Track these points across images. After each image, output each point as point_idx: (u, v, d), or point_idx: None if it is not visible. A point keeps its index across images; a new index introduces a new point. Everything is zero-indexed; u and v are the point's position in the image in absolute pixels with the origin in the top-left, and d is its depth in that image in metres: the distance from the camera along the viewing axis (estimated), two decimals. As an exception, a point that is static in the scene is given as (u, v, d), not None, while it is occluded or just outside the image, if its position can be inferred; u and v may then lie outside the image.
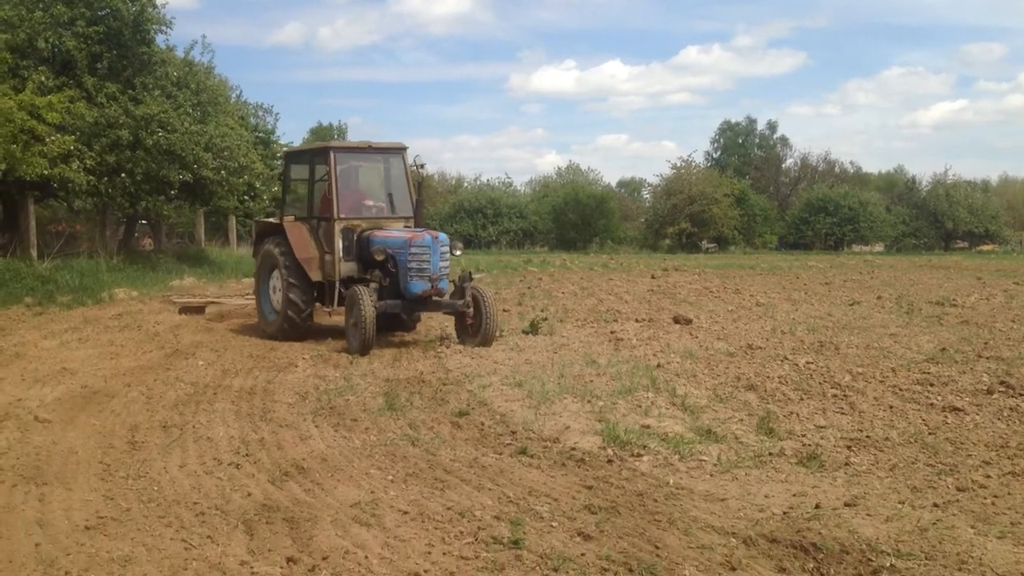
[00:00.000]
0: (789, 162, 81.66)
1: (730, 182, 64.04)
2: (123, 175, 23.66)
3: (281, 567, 4.93)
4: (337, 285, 13.60)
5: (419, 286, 12.82)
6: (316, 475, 6.61)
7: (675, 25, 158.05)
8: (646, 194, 71.79)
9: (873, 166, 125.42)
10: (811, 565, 4.87)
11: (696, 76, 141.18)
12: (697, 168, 66.11)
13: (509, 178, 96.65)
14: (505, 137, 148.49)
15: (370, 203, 14.58)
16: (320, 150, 14.29)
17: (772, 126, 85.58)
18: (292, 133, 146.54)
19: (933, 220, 67.04)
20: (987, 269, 34.91)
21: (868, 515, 5.65)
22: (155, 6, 24.21)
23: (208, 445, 7.52)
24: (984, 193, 73.18)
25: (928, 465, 6.81)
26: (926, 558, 4.89)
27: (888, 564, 4.80)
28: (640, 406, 8.69)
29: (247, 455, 7.19)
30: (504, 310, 16.39)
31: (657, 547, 5.14)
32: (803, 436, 7.65)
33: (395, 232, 13.47)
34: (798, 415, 8.38)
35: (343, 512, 5.76)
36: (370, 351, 12.11)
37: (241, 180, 27.41)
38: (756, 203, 66.47)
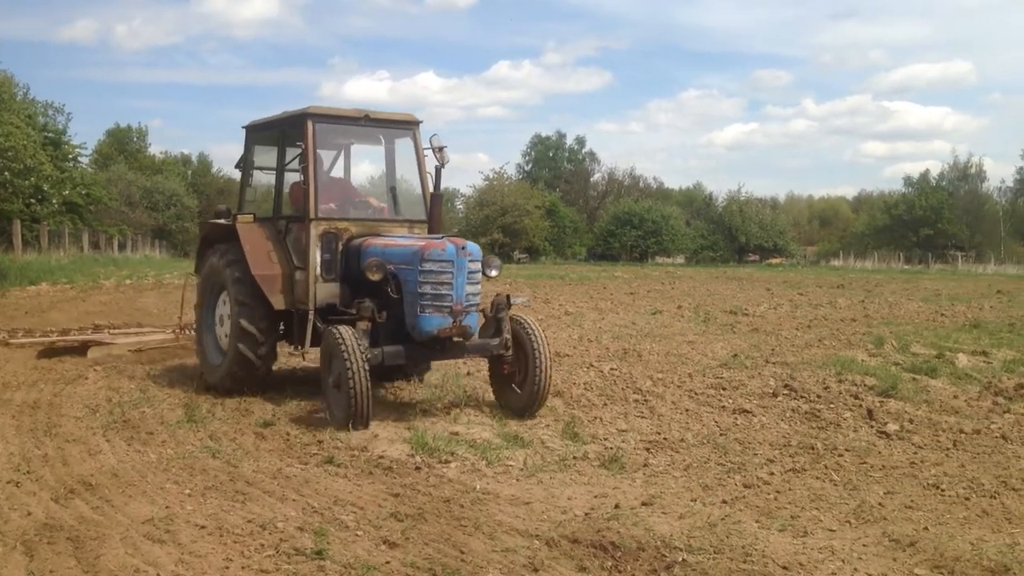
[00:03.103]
0: (597, 176, 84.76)
1: (541, 194, 65.70)
2: None
3: (63, 590, 4.61)
4: (312, 316, 9.30)
5: (434, 322, 8.38)
6: (105, 491, 6.22)
7: (487, 40, 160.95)
8: (459, 205, 72.56)
9: (674, 182, 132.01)
10: (610, 563, 5.02)
11: (508, 90, 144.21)
12: (509, 180, 67.48)
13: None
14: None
15: (364, 199, 10.61)
16: (293, 119, 9.78)
17: (581, 141, 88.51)
18: (86, 134, 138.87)
19: (728, 234, 71.15)
20: (775, 281, 37.37)
21: (663, 513, 5.89)
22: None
23: (-17, 463, 6.94)
24: (773, 210, 78.49)
25: (719, 464, 7.19)
26: (715, 552, 5.15)
27: (680, 559, 5.02)
28: (449, 414, 8.73)
29: (28, 472, 6.69)
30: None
31: (462, 552, 5.16)
32: (606, 440, 7.92)
33: (399, 240, 9.21)
34: (601, 419, 8.66)
35: (134, 529, 5.45)
36: (367, 425, 8.01)
37: (27, 182, 25.65)
38: (566, 215, 68.49)
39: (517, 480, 6.67)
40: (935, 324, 17.70)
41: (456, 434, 7.89)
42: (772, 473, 6.92)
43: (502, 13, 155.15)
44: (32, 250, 34.52)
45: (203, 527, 5.51)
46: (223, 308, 10.09)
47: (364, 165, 11.19)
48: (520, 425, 8.32)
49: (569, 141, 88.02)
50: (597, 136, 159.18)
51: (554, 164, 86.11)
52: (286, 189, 10.22)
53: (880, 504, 6.16)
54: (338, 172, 10.85)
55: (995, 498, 6.33)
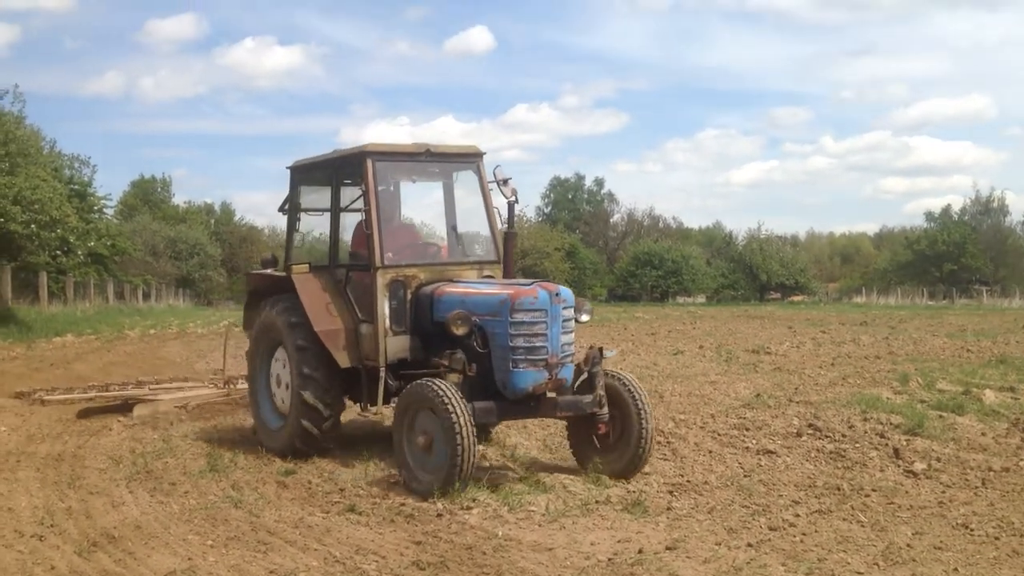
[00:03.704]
0: (616, 217, 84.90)
1: (561, 236, 65.98)
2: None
3: (85, 645, 4.60)
4: (383, 374, 8.58)
5: (529, 378, 7.70)
6: (128, 544, 6.23)
7: (504, 84, 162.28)
8: (480, 248, 72.64)
9: (694, 222, 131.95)
10: (634, 610, 4.97)
11: (525, 133, 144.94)
12: (529, 223, 67.70)
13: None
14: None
15: (427, 241, 9.87)
16: (349, 158, 9.12)
17: (599, 182, 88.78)
18: (111, 185, 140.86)
19: (749, 273, 71.00)
20: (797, 319, 37.16)
21: (688, 557, 5.83)
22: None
23: (8, 516, 6.98)
24: (794, 248, 78.41)
25: (743, 506, 7.11)
26: (741, 596, 5.07)
27: (706, 604, 4.95)
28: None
29: (52, 526, 6.71)
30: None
31: (485, 600, 5.11)
32: (628, 483, 7.85)
33: (481, 287, 8.49)
34: (624, 463, 8.59)
35: (157, 582, 5.45)
36: (464, 489, 7.20)
37: (53, 235, 26.01)
38: (586, 256, 68.64)
39: (539, 526, 6.62)
40: (961, 360, 17.52)
41: (477, 480, 7.84)
42: (798, 515, 6.84)
43: (519, 57, 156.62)
44: (58, 301, 34.91)
45: (225, 578, 5.49)
46: (279, 367, 9.36)
47: (416, 203, 10.41)
48: (542, 469, 8.27)
49: (588, 182, 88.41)
50: (615, 177, 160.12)
51: (573, 205, 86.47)
52: (343, 235, 9.52)
53: (908, 545, 6.06)
54: (399, 212, 9.95)
55: (1026, 538, 6.22)
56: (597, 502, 7.23)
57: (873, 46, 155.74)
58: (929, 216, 79.30)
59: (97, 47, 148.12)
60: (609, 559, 5.78)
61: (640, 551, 5.90)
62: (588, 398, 7.98)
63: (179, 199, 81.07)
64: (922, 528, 6.49)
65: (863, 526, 6.56)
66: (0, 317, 27.48)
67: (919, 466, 8.18)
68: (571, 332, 8.03)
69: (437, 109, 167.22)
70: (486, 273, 9.20)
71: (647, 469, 8.29)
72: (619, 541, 6.20)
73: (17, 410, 12.22)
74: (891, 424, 9.81)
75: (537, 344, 7.69)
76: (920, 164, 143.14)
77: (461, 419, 7.09)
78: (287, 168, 9.97)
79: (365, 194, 8.71)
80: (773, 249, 72.37)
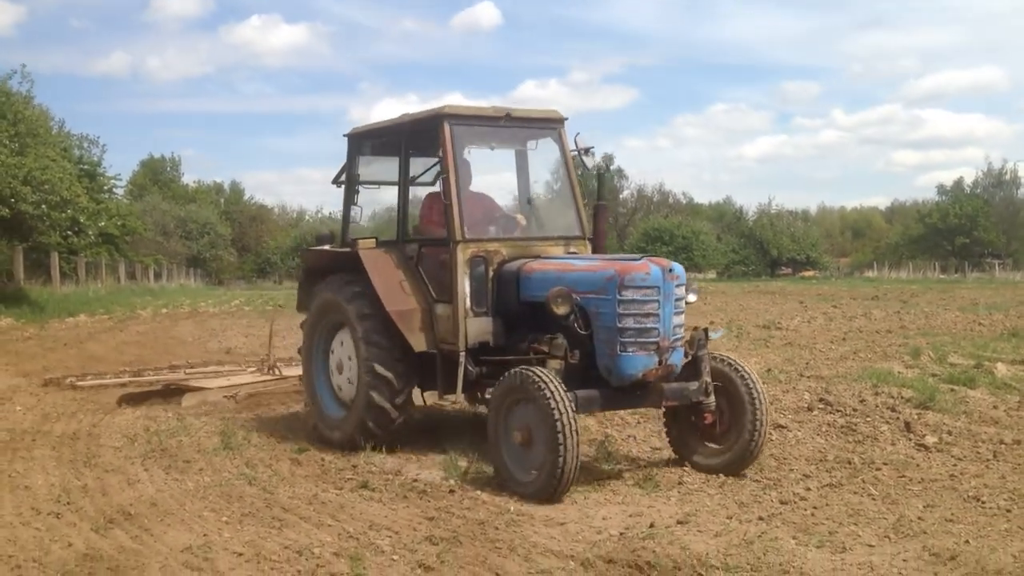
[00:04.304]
0: (626, 193, 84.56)
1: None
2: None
3: (104, 620, 4.66)
4: (462, 359, 7.87)
5: (639, 363, 6.96)
6: (144, 521, 6.29)
7: (512, 60, 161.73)
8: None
9: (704, 197, 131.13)
10: (646, 583, 5.00)
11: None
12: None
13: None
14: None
15: (507, 215, 9.06)
16: (423, 122, 8.35)
17: (608, 159, 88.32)
18: (120, 165, 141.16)
19: (759, 248, 70.76)
20: (808, 294, 37.07)
21: (699, 531, 5.85)
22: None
23: (25, 494, 7.05)
24: (804, 223, 77.97)
25: (754, 481, 7.13)
26: (752, 569, 5.10)
27: (717, 577, 4.98)
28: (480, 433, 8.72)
29: (68, 503, 6.78)
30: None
31: (498, 574, 5.16)
32: (639, 458, 7.88)
33: (580, 263, 7.76)
34: (635, 438, 8.63)
35: (173, 558, 5.50)
36: (568, 490, 6.62)
37: (64, 215, 26.08)
38: (596, 234, 68.27)
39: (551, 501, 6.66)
40: (973, 334, 17.46)
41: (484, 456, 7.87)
42: (808, 488, 6.86)
43: (526, 32, 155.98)
44: (70, 282, 35.09)
45: (241, 554, 5.55)
46: (341, 351, 8.64)
47: (504, 173, 9.47)
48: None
49: (597, 158, 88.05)
50: (625, 153, 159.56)
51: (583, 182, 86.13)
52: (416, 206, 8.87)
53: (919, 518, 6.08)
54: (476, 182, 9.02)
55: (1038, 510, 6.23)
56: (609, 477, 7.27)
57: (883, 18, 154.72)
58: (941, 189, 78.93)
59: (102, 26, 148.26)
60: (621, 533, 5.81)
61: (652, 525, 5.93)
62: (694, 385, 7.21)
63: (188, 179, 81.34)
64: (933, 501, 6.51)
65: (874, 499, 6.58)
66: (13, 297, 27.65)
67: (930, 439, 8.19)
68: (682, 313, 7.32)
69: (445, 86, 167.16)
70: (571, 250, 8.45)
71: (657, 444, 8.31)
72: (631, 515, 6.24)
73: (31, 390, 12.31)
74: (902, 398, 9.80)
75: (648, 325, 6.95)
76: (932, 137, 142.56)
77: (565, 414, 6.40)
78: (344, 136, 9.26)
79: (443, 160, 7.99)
80: (784, 224, 72.07)
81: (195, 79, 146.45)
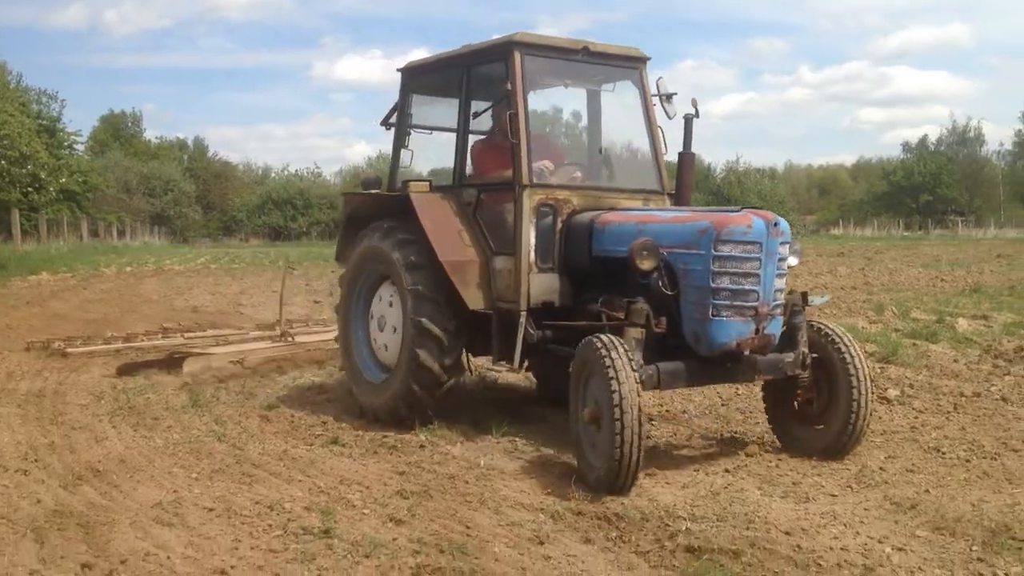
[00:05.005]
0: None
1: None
2: None
3: (75, 574, 4.66)
4: (523, 320, 6.97)
5: (733, 330, 6.02)
6: (113, 477, 6.27)
7: (479, 15, 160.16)
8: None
9: (671, 154, 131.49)
10: (614, 534, 5.08)
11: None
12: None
13: (318, 168, 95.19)
14: (312, 126, 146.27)
15: (574, 163, 8.16)
16: (490, 53, 7.47)
17: (576, 115, 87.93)
18: (80, 121, 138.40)
19: (727, 205, 71.03)
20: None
21: (667, 484, 5.94)
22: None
23: (-9, 453, 6.99)
24: (772, 180, 78.41)
25: (721, 435, 7.24)
26: (718, 519, 5.19)
27: (684, 528, 5.06)
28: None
29: (36, 460, 6.73)
30: (315, 301, 12.02)
31: (468, 527, 5.21)
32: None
33: (667, 214, 6.84)
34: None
35: (143, 513, 5.50)
36: (634, 480, 5.68)
37: (24, 171, 25.63)
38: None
39: (522, 456, 6.71)
40: (935, 290, 17.75)
41: (457, 414, 7.89)
42: (774, 441, 6.97)
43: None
44: (31, 239, 34.56)
45: (211, 509, 5.56)
46: (384, 307, 7.76)
47: (578, 116, 8.64)
48: (523, 401, 8.36)
49: (565, 116, 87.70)
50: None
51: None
52: (476, 147, 7.97)
53: (881, 468, 6.21)
54: (546, 125, 8.31)
55: (995, 459, 6.39)
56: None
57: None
58: (906, 147, 79.65)
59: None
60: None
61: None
62: (790, 357, 6.33)
63: (150, 135, 79.91)
64: (895, 452, 6.65)
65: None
66: (-27, 256, 27.24)
67: (892, 392, 8.33)
68: (784, 275, 6.32)
69: (411, 42, 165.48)
70: (651, 205, 7.63)
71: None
72: (599, 468, 6.30)
73: (-5, 348, 12.15)
74: (866, 352, 9.94)
75: (747, 287, 5.99)
76: (897, 94, 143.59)
77: (629, 395, 5.46)
78: (397, 71, 8.31)
79: (511, 94, 7.06)
80: (751, 181, 72.44)
81: (155, 32, 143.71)
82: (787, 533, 4.98)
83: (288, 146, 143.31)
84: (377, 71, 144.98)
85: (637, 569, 4.63)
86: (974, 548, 4.76)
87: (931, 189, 69.62)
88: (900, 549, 4.75)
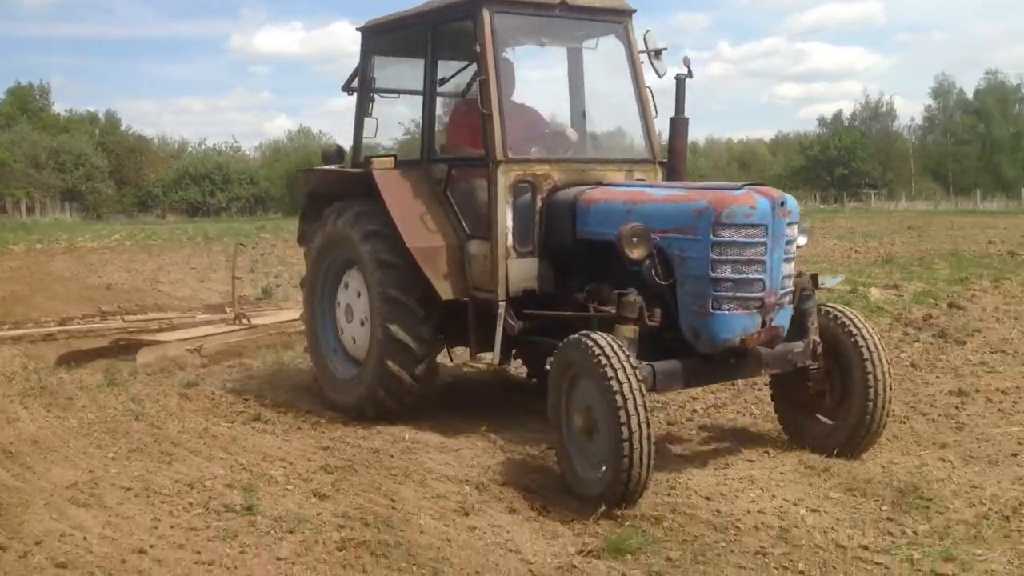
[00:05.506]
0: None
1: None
2: None
3: (-13, 558, 4.53)
4: (502, 311, 6.33)
5: (737, 324, 5.38)
6: (26, 459, 6.10)
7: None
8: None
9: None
10: (539, 504, 5.13)
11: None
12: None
13: (237, 142, 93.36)
14: (231, 100, 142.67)
15: (555, 130, 7.37)
16: (456, 9, 6.71)
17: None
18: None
19: (650, 179, 71.76)
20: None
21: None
22: None
23: None
24: (693, 154, 79.11)
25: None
26: (640, 486, 5.27)
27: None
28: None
29: (-58, 444, 6.51)
30: (237, 277, 11.07)
31: (393, 500, 5.21)
32: (536, 382, 8.00)
33: (659, 192, 6.08)
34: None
35: (58, 494, 5.37)
36: (638, 498, 4.98)
37: (-75, 144, 24.52)
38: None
39: (447, 428, 6.72)
40: (849, 260, 18.27)
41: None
42: (695, 410, 7.12)
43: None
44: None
45: (129, 489, 5.45)
46: (350, 295, 7.12)
47: (557, 80, 7.42)
48: (449, 375, 8.34)
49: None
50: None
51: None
52: (445, 118, 7.39)
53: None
54: (519, 91, 7.10)
55: (905, 423, 6.62)
56: (506, 407, 7.37)
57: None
58: (822, 122, 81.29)
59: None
60: (513, 458, 5.93)
61: (549, 448, 6.04)
62: (799, 347, 5.72)
63: (59, 107, 76.95)
64: (810, 418, 6.82)
65: (755, 418, 6.87)
66: None
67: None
68: (793, 260, 5.64)
69: (332, 13, 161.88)
70: (637, 176, 6.88)
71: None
72: (524, 441, 6.34)
73: None
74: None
75: (751, 276, 5.35)
76: (814, 70, 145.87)
77: (633, 401, 4.83)
78: (357, 30, 7.59)
79: (481, 58, 6.33)
80: (673, 156, 73.30)
81: (64, 1, 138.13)
82: (707, 498, 5.10)
83: (206, 120, 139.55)
84: (297, 44, 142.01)
85: (562, 537, 4.69)
86: (884, 508, 4.94)
87: (846, 163, 71.37)
88: (814, 510, 4.90)
